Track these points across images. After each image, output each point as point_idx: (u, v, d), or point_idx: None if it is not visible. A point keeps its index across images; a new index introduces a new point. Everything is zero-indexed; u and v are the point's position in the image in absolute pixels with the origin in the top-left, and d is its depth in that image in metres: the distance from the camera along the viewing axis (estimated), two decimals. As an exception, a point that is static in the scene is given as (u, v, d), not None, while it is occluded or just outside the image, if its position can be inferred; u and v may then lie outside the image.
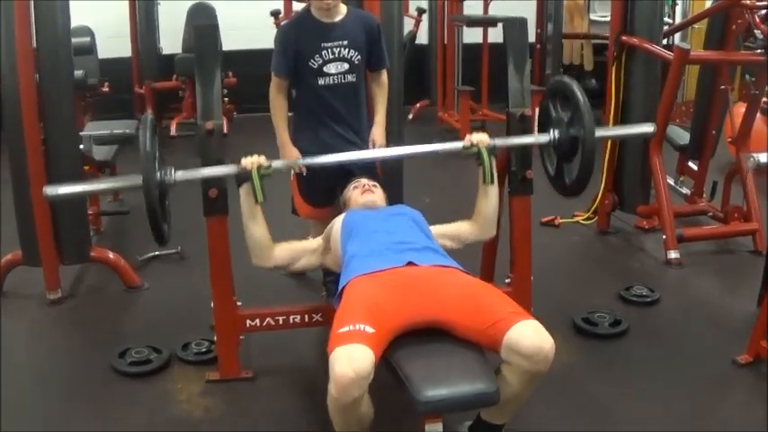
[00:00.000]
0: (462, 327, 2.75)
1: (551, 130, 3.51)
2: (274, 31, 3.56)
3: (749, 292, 4.51)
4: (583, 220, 5.70)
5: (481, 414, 2.90)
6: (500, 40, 8.65)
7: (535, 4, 8.84)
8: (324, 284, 4.34)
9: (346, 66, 3.90)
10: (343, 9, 3.88)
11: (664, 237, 5.10)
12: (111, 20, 7.58)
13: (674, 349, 3.99)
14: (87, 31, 6.43)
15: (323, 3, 3.77)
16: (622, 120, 5.34)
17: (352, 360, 2.47)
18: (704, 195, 5.79)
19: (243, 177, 3.28)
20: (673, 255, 5.02)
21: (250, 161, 3.24)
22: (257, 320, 3.57)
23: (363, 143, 4.05)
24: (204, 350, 3.76)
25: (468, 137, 3.45)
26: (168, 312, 4.25)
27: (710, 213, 5.64)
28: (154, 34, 7.78)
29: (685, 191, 5.89)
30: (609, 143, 5.30)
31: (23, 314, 4.27)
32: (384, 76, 4.11)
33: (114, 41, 7.66)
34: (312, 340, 3.91)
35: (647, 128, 3.83)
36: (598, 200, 5.55)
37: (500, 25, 8.18)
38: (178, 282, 4.65)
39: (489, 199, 3.44)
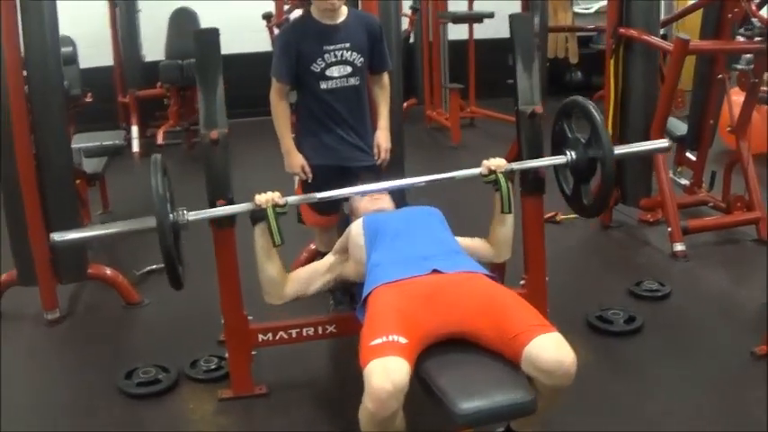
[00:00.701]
0: (486, 337, 2.67)
1: (568, 152, 3.44)
2: (261, 34, 3.43)
3: (758, 282, 4.50)
4: (582, 215, 5.63)
5: (510, 424, 2.83)
6: (486, 36, 8.75)
7: (520, -1, 8.78)
8: (330, 292, 4.25)
9: (349, 69, 3.80)
10: (344, 10, 3.78)
11: (669, 229, 5.05)
12: (91, 29, 7.42)
13: (691, 343, 3.94)
14: (68, 41, 6.27)
15: (327, 3, 3.66)
16: (621, 113, 5.29)
17: (389, 372, 2.39)
18: (703, 185, 5.76)
19: (258, 216, 3.16)
20: (679, 247, 4.97)
21: (265, 199, 3.12)
22: (270, 335, 3.46)
23: (368, 147, 3.96)
24: (214, 367, 3.65)
25: (485, 163, 3.33)
26: (171, 329, 4.13)
27: (711, 204, 5.60)
28: (136, 42, 7.64)
29: (684, 182, 5.85)
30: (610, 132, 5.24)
31: (21, 336, 4.14)
32: (386, 78, 4.02)
33: (95, 50, 7.53)
34: (323, 352, 3.85)
35: (663, 144, 3.79)
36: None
37: (486, 21, 8.17)
38: (178, 296, 4.45)
39: (506, 226, 3.36)
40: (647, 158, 5.31)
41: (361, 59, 3.82)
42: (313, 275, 3.33)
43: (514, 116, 3.73)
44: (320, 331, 3.54)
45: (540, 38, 8.61)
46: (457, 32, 8.75)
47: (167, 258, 2.99)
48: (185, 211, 3.11)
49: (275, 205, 3.11)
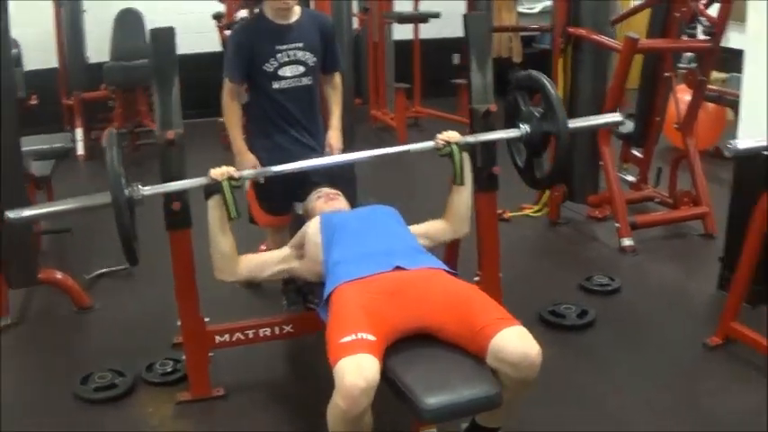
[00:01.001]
0: (451, 332, 2.69)
1: (521, 125, 3.46)
2: (208, 35, 3.38)
3: (706, 274, 4.60)
4: (532, 212, 5.70)
5: (476, 418, 2.84)
6: (431, 35, 8.78)
7: (465, -2, 8.83)
8: (283, 293, 4.25)
9: (302, 68, 3.80)
10: (297, 10, 3.78)
11: (617, 225, 5.13)
12: (35, 30, 7.29)
13: (644, 336, 4.02)
14: (13, 43, 6.17)
15: (281, 3, 3.64)
16: (569, 111, 5.33)
17: (361, 370, 2.39)
18: (649, 182, 5.86)
19: (213, 189, 3.13)
20: (627, 242, 5.05)
21: (220, 172, 3.10)
22: (227, 336, 3.45)
23: (320, 147, 3.96)
24: (170, 370, 3.62)
25: (439, 136, 3.37)
26: (125, 333, 4.07)
27: (658, 199, 5.71)
28: (81, 43, 7.50)
29: (630, 178, 5.95)
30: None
31: (-29, 344, 4.05)
32: (338, 78, 4.03)
33: (40, 53, 7.42)
34: (277, 352, 3.85)
35: (616, 117, 3.84)
36: (548, 192, 5.55)
37: (432, 21, 8.21)
38: (130, 300, 4.48)
39: (462, 197, 3.38)
40: (594, 156, 5.39)
41: (314, 59, 3.82)
42: (267, 262, 3.31)
43: (467, 115, 3.75)
44: (277, 331, 3.54)
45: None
46: (402, 32, 8.78)
47: (123, 233, 2.94)
48: (140, 186, 3.07)
49: (230, 178, 3.10)
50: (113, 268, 4.76)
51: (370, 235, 3.07)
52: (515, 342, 2.55)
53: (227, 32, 7.14)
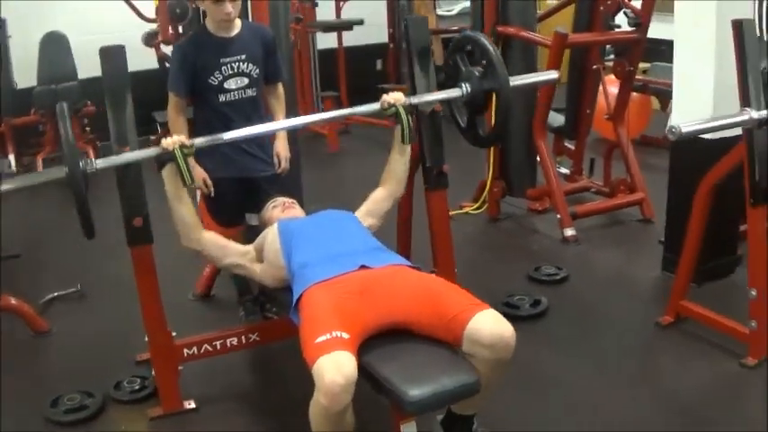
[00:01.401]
0: (422, 324, 2.77)
1: (462, 84, 3.56)
2: (135, 53, 3.35)
3: (648, 257, 4.79)
4: (472, 210, 5.81)
5: (452, 407, 2.92)
6: (353, 43, 8.84)
7: (385, 5, 8.94)
8: (240, 304, 4.28)
9: (246, 80, 3.83)
10: (238, 23, 3.81)
11: (558, 216, 5.27)
12: (-41, 58, 7.16)
13: (597, 320, 4.19)
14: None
15: (223, 14, 3.67)
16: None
17: (340, 367, 2.45)
18: (583, 172, 6.03)
19: (165, 158, 3.17)
20: (569, 232, 5.20)
21: (171, 141, 3.14)
22: (194, 349, 3.48)
23: (268, 157, 4.00)
24: (138, 387, 3.61)
25: (384, 97, 3.47)
26: (86, 354, 4.03)
27: (593, 189, 5.88)
28: (8, 69, 7.37)
29: (564, 170, 6.10)
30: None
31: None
32: (281, 88, 4.08)
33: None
34: (241, 361, 3.86)
35: (552, 75, 3.97)
36: (487, 188, 5.67)
37: (358, 28, 8.29)
38: (86, 321, 4.44)
39: (404, 157, 3.53)
40: (530, 151, 5.53)
41: (257, 71, 3.86)
42: (230, 248, 3.37)
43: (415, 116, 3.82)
44: (244, 340, 3.57)
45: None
46: (325, 41, 8.85)
47: (81, 204, 2.96)
48: (93, 160, 3.07)
49: (182, 146, 3.14)
50: (65, 292, 4.71)
51: (331, 238, 3.14)
52: (490, 324, 2.65)
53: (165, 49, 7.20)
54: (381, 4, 9.01)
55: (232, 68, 3.79)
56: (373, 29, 8.97)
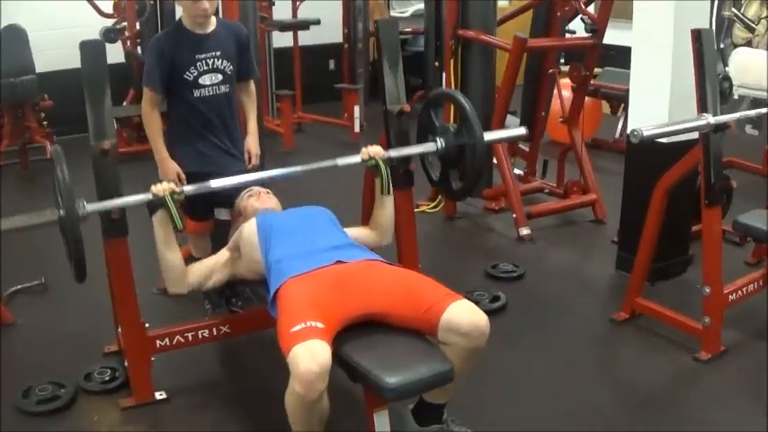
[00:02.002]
0: (397, 315, 2.86)
1: (437, 139, 3.67)
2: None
3: (602, 256, 4.96)
4: (429, 209, 5.93)
5: (424, 396, 3.02)
6: (307, 42, 8.89)
7: (341, 4, 9.03)
8: (206, 297, 4.33)
9: (220, 77, 3.90)
10: (213, 20, 3.88)
11: (513, 216, 5.42)
12: None
13: (554, 316, 4.33)
14: None
15: (200, 11, 3.73)
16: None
17: (314, 355, 2.53)
18: (537, 174, 6.19)
19: (156, 205, 3.22)
20: (524, 231, 5.35)
21: (162, 188, 3.19)
22: (167, 340, 3.52)
23: (240, 153, 4.07)
24: (108, 378, 3.64)
25: (364, 150, 3.53)
26: (54, 346, 4.04)
27: (547, 190, 6.04)
28: (-35, 63, 7.32)
29: (518, 171, 6.25)
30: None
31: None
32: (252, 85, 4.16)
33: None
34: (209, 353, 3.92)
35: (522, 131, 4.08)
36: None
37: (312, 28, 8.36)
38: (51, 314, 4.45)
39: (386, 208, 3.57)
40: (488, 152, 5.65)
41: (231, 67, 3.93)
42: (213, 269, 3.43)
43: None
44: (215, 332, 3.62)
45: (363, 43, 8.93)
46: (279, 40, 8.91)
47: (76, 250, 2.99)
48: (84, 203, 3.09)
49: (172, 192, 3.19)
50: (28, 284, 4.72)
51: (308, 233, 3.22)
52: (465, 314, 2.76)
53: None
54: (336, 4, 9.08)
55: (207, 64, 3.86)
56: (327, 29, 9.03)
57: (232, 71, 3.95)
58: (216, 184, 3.43)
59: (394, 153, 3.66)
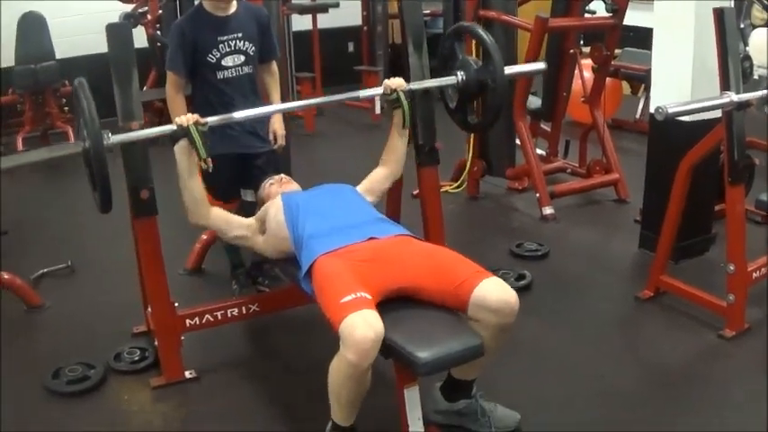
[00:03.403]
0: (429, 291, 2.88)
1: (457, 72, 3.67)
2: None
3: (625, 235, 4.97)
4: (451, 189, 5.94)
5: (452, 373, 3.04)
6: (329, 25, 8.90)
7: (360, -14, 9.04)
8: (233, 278, 4.36)
9: (242, 58, 3.93)
10: (234, 3, 3.90)
11: (537, 195, 5.42)
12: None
13: (579, 294, 4.35)
14: None
15: None
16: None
17: (369, 323, 2.56)
18: (559, 154, 6.19)
19: (180, 134, 3.23)
20: (548, 210, 5.35)
21: (186, 118, 3.22)
22: (196, 319, 3.56)
23: (264, 134, 4.10)
24: (138, 358, 3.69)
25: (386, 82, 3.57)
26: (82, 327, 4.09)
27: (569, 170, 6.03)
28: (-17, 49, 7.39)
29: (540, 151, 6.25)
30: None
31: None
32: (275, 65, 4.18)
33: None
34: (237, 332, 3.95)
35: (540, 65, 4.12)
36: (467, 168, 5.80)
37: (331, 10, 8.37)
38: (78, 296, 4.49)
39: (404, 139, 3.63)
40: (510, 131, 5.67)
41: (253, 48, 3.96)
42: (234, 221, 3.45)
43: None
44: (244, 311, 3.67)
45: (382, 25, 8.93)
46: (299, 23, 8.91)
47: (102, 179, 3.00)
48: (109, 134, 3.10)
49: (196, 122, 3.22)
50: (55, 267, 4.76)
51: (337, 210, 3.24)
52: (496, 290, 2.78)
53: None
54: (356, -15, 9.11)
55: (229, 46, 3.88)
56: (346, 11, 9.05)
57: (254, 52, 3.97)
58: (239, 115, 3.50)
59: (415, 85, 3.68)
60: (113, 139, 3.11)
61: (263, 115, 3.68)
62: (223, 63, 3.89)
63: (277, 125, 4.13)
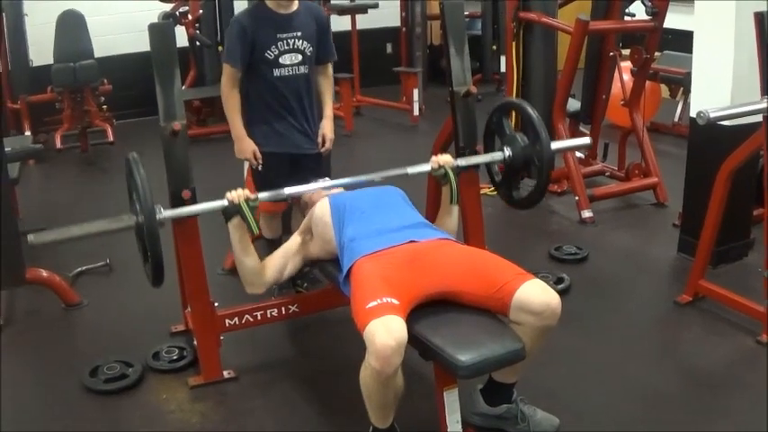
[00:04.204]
0: (469, 294, 2.87)
1: (505, 148, 3.68)
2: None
3: (664, 239, 4.92)
4: (490, 192, 5.88)
5: (493, 376, 3.03)
6: (367, 25, 8.91)
7: (398, -12, 9.04)
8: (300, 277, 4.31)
9: (300, 57, 3.92)
10: (296, 2, 3.90)
11: (576, 198, 5.39)
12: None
13: (618, 297, 4.32)
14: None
15: None
16: (523, 93, 5.59)
17: (390, 330, 2.55)
18: (597, 157, 6.14)
19: (231, 211, 3.25)
20: (587, 214, 5.33)
21: (237, 195, 3.22)
22: (236, 319, 3.58)
23: (314, 134, 4.08)
24: (176, 357, 3.70)
25: (434, 159, 3.54)
26: (120, 325, 4.12)
27: (608, 173, 5.99)
28: (23, 47, 7.44)
29: (579, 154, 6.19)
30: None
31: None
32: (330, 68, 4.18)
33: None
34: (276, 332, 3.96)
35: (586, 140, 4.20)
36: (506, 170, 5.76)
37: (370, 11, 8.38)
38: (116, 294, 4.52)
39: (453, 217, 3.56)
40: (550, 134, 5.61)
41: (311, 49, 3.95)
42: (286, 258, 3.43)
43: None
44: (284, 312, 3.68)
45: (421, 26, 8.92)
46: (337, 24, 8.91)
47: (155, 257, 3.05)
48: (161, 209, 3.15)
49: (247, 199, 3.22)
50: (93, 266, 4.80)
51: (381, 213, 3.23)
52: (538, 293, 2.77)
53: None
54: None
55: (288, 44, 3.88)
56: (385, 12, 9.05)
57: (312, 52, 3.97)
58: (289, 191, 3.49)
59: (462, 162, 3.69)
60: (165, 213, 3.17)
61: (313, 191, 3.62)
62: (281, 61, 3.88)
63: (327, 129, 4.12)
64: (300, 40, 3.89)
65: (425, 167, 3.57)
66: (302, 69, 3.94)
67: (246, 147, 3.91)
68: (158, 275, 3.13)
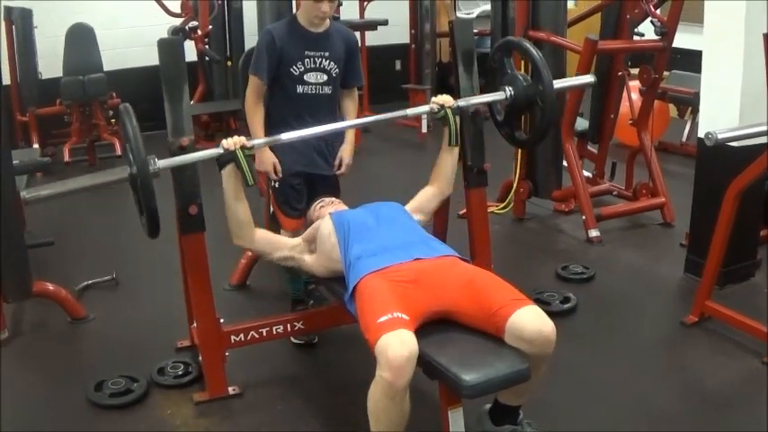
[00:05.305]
0: (469, 315, 2.87)
1: (506, 88, 3.66)
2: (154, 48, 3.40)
3: (672, 259, 4.91)
4: (498, 210, 5.90)
5: (498, 398, 3.01)
6: (377, 42, 8.94)
7: (408, 5, 9.07)
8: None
9: (325, 77, 3.89)
10: (328, 22, 3.88)
11: (583, 217, 5.38)
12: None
13: (624, 317, 4.30)
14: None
15: (319, 12, 3.74)
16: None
17: (404, 342, 2.56)
18: (605, 176, 6.14)
19: (226, 159, 3.23)
20: (594, 233, 5.32)
21: (232, 142, 3.21)
22: (242, 335, 3.57)
23: (331, 157, 4.04)
24: (181, 372, 3.69)
25: (434, 99, 3.56)
26: (126, 340, 4.11)
27: (615, 192, 5.98)
28: (33, 59, 7.48)
29: (587, 173, 6.19)
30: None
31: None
32: (356, 93, 4.14)
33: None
34: (282, 348, 3.95)
35: (589, 78, 4.14)
36: (514, 189, 5.77)
37: (379, 28, 8.40)
38: (122, 308, 4.52)
39: (452, 157, 3.62)
40: (557, 153, 5.64)
41: (337, 70, 3.91)
42: (280, 243, 3.48)
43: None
44: (289, 328, 3.67)
45: (430, 44, 8.94)
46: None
47: (150, 205, 3.01)
48: (155, 159, 3.10)
49: (243, 147, 3.21)
50: (99, 279, 4.80)
51: (385, 230, 3.23)
52: (531, 320, 2.74)
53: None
54: (403, 4, 9.16)
55: (314, 62, 3.85)
56: (394, 29, 9.08)
57: (338, 74, 3.93)
58: (287, 137, 3.48)
59: (462, 102, 3.67)
60: (159, 164, 3.12)
61: (313, 136, 3.62)
62: (305, 78, 3.85)
63: (346, 153, 4.06)
64: (328, 60, 3.86)
65: (425, 108, 3.64)
66: (326, 90, 3.90)
67: (267, 158, 3.87)
68: (153, 227, 3.08)
